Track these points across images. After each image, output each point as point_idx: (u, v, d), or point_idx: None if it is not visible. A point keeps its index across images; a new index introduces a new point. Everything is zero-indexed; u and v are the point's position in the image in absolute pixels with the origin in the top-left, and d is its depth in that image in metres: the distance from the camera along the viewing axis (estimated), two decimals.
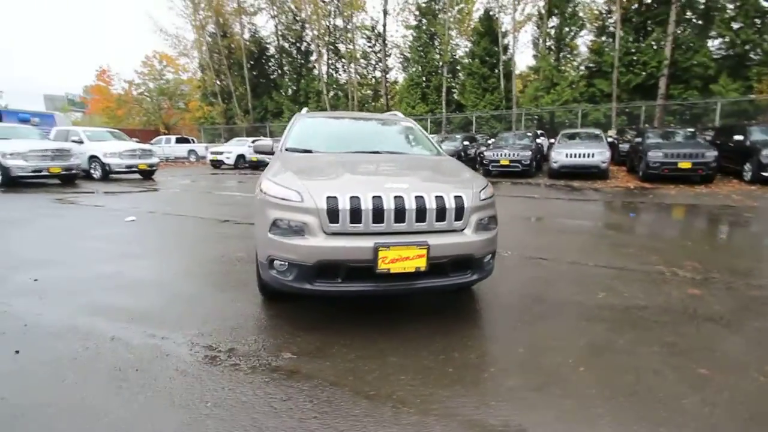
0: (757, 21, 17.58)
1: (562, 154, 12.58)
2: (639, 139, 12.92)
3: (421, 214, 2.40)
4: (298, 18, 30.57)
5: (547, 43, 22.76)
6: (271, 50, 32.14)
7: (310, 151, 3.45)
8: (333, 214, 2.32)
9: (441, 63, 24.97)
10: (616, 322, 2.82)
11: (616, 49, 19.86)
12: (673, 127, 14.64)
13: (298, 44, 30.71)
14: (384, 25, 27.16)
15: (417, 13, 26.02)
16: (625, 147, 14.93)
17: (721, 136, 12.49)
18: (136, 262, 4.17)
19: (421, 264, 2.35)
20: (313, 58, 30.75)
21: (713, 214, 7.11)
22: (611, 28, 21.18)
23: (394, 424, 1.73)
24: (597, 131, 14.39)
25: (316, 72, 31.04)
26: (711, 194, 9.34)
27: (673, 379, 2.13)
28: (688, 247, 4.97)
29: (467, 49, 25.28)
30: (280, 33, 31.05)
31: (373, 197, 2.35)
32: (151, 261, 4.26)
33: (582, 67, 22.21)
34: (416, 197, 2.40)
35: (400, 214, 2.36)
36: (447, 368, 2.18)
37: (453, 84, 25.61)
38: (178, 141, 24.39)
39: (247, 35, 30.74)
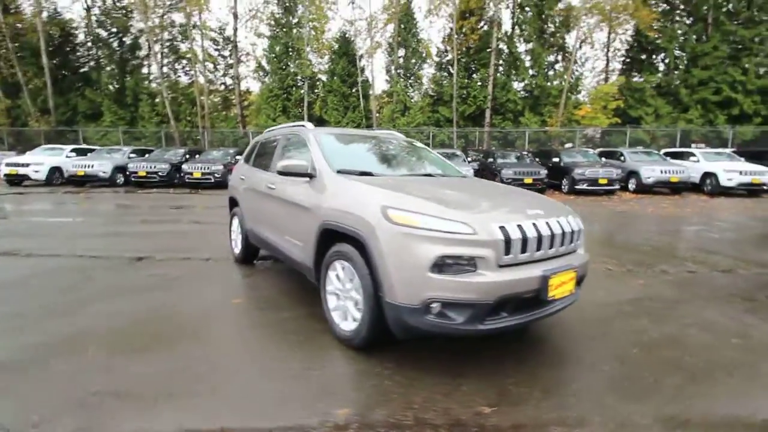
0: (546, 71, 23.56)
1: None
2: (491, 160, 15.62)
3: (563, 237, 2.48)
4: (119, 4, 25.55)
5: (398, 71, 25.17)
6: (82, 37, 25.89)
7: (370, 174, 3.07)
8: (507, 245, 2.19)
9: (301, 77, 24.71)
10: (641, 314, 3.44)
11: (454, 83, 23.51)
12: (515, 150, 18.09)
13: (121, 35, 25.60)
14: (235, 29, 25.25)
15: (272, 23, 25.16)
16: (474, 165, 17.76)
17: (542, 158, 16.19)
18: (93, 329, 2.86)
19: (572, 287, 2.43)
20: (142, 53, 26.14)
21: None
22: (448, 66, 24.97)
23: None
24: (458, 151, 16.68)
25: (146, 70, 26.49)
26: None
27: (734, 349, 2.77)
28: (588, 246, 6.35)
29: (326, 66, 25.75)
30: (95, 18, 25.31)
31: (533, 224, 2.32)
32: (122, 326, 2.98)
33: (427, 96, 25.36)
34: (557, 222, 2.47)
35: (551, 240, 2.39)
36: (623, 384, 2.31)
37: (314, 99, 25.63)
38: None
39: (45, 15, 23.94)
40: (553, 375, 2.38)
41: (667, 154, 15.61)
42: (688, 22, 22.50)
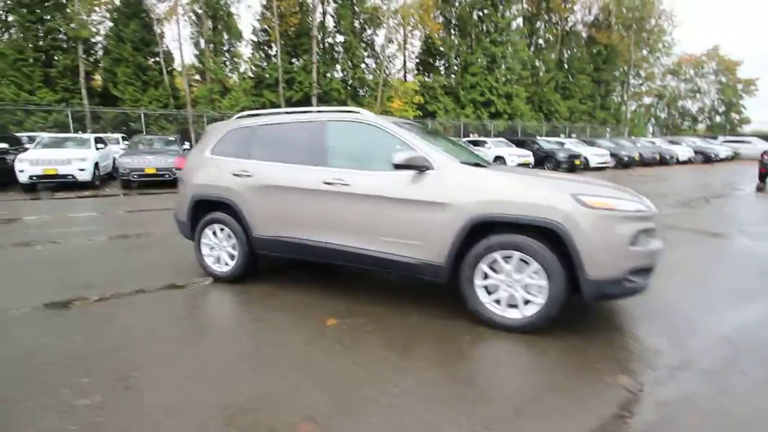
0: (361, 63, 25.43)
1: None
2: None
3: None
4: None
5: (209, 46, 22.25)
6: None
7: (479, 164, 3.14)
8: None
9: (68, 37, 18.64)
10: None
11: (279, 66, 22.59)
12: None
13: None
14: None
15: None
16: None
17: None
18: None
19: None
20: None
21: None
22: (265, 47, 23.67)
23: None
24: None
25: None
26: None
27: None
28: None
29: (108, 28, 20.25)
30: None
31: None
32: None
33: (248, 78, 23.46)
34: None
35: None
36: (700, 297, 3.30)
37: (92, 68, 19.85)
38: None
39: None
40: (655, 306, 3.20)
41: (469, 142, 19.72)
42: (460, 35, 28.38)
